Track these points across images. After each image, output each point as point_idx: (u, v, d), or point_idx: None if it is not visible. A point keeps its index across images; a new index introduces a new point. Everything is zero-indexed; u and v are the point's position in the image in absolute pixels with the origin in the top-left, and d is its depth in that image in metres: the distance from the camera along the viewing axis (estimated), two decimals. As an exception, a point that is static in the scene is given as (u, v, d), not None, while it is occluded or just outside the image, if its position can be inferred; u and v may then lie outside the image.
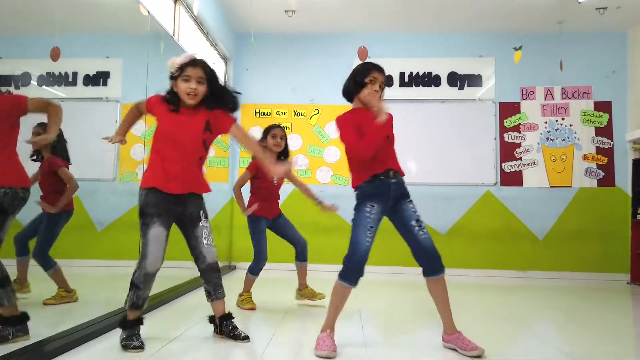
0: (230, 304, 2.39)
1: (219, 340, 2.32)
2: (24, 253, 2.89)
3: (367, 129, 2.13)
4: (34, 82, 3.36)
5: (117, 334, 2.19)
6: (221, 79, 2.30)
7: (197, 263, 2.29)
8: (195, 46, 4.43)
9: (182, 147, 2.17)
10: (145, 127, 3.26)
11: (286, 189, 5.41)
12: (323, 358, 2.03)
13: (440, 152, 5.50)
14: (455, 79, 5.60)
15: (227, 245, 5.54)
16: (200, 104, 2.21)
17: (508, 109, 5.54)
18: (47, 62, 3.15)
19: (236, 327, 2.32)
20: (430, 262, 2.17)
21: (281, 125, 3.24)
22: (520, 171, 5.47)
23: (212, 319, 2.39)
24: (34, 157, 2.96)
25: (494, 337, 2.55)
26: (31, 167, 2.87)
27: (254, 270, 3.13)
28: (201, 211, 2.27)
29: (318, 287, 3.30)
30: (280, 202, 3.31)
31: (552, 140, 5.48)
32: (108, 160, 3.78)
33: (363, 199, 2.19)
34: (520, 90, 5.55)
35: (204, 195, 2.32)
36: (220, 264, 2.43)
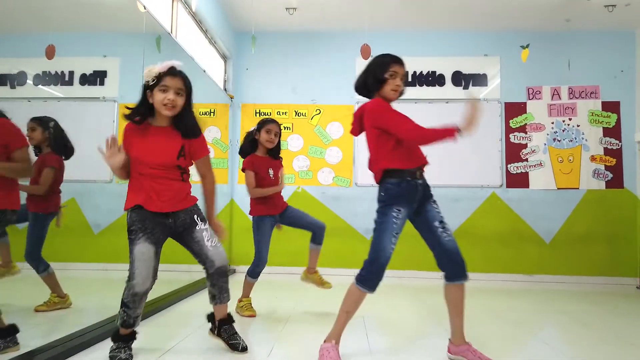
0: (229, 309, 2.29)
1: (215, 350, 2.23)
2: (1, 235, 2.81)
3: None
4: (29, 82, 3.30)
5: (110, 344, 2.09)
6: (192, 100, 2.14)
7: (204, 267, 2.17)
8: (194, 44, 4.33)
9: (159, 168, 2.06)
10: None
11: (287, 190, 5.36)
12: (326, 372, 1.92)
13: (444, 153, 5.33)
14: (460, 79, 5.50)
15: (226, 247, 5.43)
16: (174, 119, 2.09)
17: (514, 109, 5.43)
18: (43, 60, 3.09)
19: (236, 334, 2.23)
20: (454, 267, 2.05)
21: (277, 121, 3.09)
22: (527, 172, 5.35)
23: (210, 318, 2.29)
24: (34, 152, 2.93)
25: (500, 342, 2.51)
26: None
27: (253, 273, 3.03)
28: (195, 216, 2.15)
29: (317, 292, 3.21)
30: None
31: (559, 141, 5.36)
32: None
33: (390, 202, 2.05)
34: (526, 90, 5.44)
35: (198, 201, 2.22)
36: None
